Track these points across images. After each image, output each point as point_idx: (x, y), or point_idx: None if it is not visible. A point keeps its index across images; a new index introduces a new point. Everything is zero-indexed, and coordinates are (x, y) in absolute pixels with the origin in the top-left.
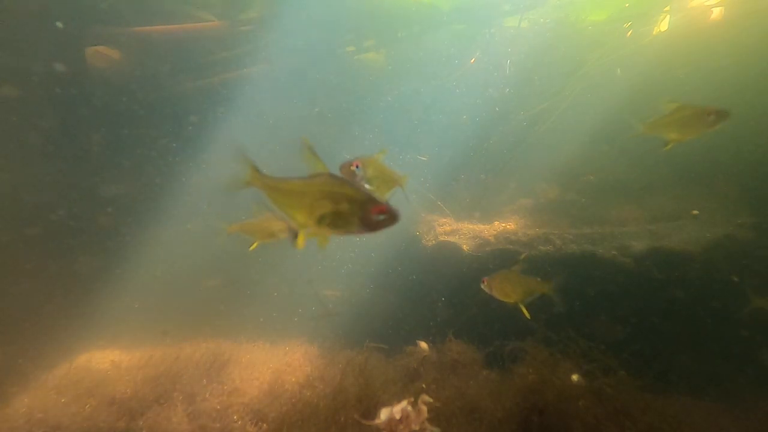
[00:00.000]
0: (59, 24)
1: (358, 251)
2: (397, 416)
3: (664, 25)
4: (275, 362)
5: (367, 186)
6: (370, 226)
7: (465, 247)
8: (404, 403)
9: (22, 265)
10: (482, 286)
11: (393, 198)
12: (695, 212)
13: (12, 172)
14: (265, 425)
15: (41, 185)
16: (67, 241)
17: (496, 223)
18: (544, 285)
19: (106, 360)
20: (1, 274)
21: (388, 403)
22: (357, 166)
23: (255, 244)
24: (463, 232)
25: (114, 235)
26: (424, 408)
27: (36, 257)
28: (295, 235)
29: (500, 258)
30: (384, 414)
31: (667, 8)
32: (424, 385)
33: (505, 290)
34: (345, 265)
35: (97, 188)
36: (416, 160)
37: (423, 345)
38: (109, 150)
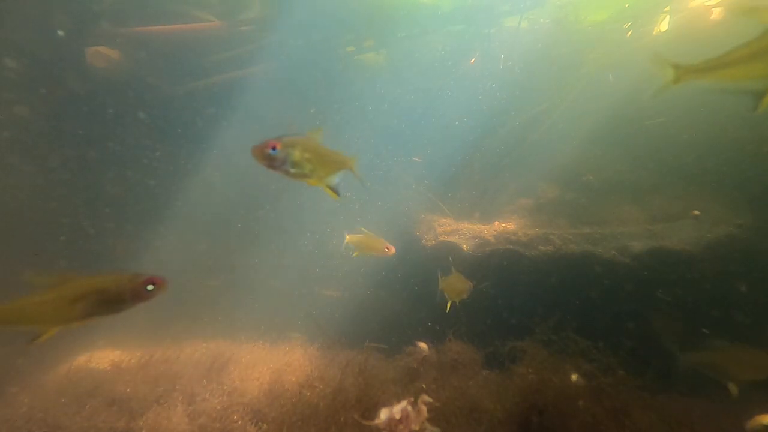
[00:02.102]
0: (60, 32)
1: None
2: (397, 416)
3: (664, 26)
4: (275, 362)
5: (293, 171)
6: None
7: (465, 247)
8: (404, 403)
9: (23, 266)
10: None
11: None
12: (696, 212)
13: (11, 173)
14: (265, 425)
15: (41, 186)
16: (68, 241)
17: (496, 223)
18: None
19: (106, 360)
20: (1, 274)
21: (388, 403)
22: (274, 148)
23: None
24: (463, 232)
25: (115, 234)
26: (424, 408)
27: (37, 258)
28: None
29: (500, 258)
30: (384, 414)
31: (667, 8)
32: (424, 385)
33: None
34: (345, 265)
35: (98, 188)
36: (420, 160)
37: (422, 345)
38: (109, 150)
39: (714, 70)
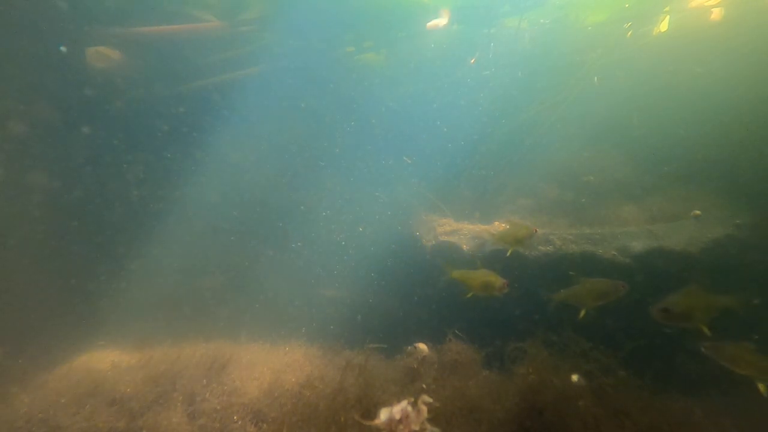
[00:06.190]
0: (63, 48)
1: (357, 252)
2: (397, 416)
3: (664, 26)
4: (275, 362)
5: None
6: None
7: (465, 247)
8: (404, 403)
9: (23, 266)
10: None
11: None
12: (696, 212)
13: (11, 173)
14: (265, 425)
15: (41, 186)
16: (68, 241)
17: (496, 223)
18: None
19: (106, 360)
20: (1, 274)
21: (388, 403)
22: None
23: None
24: (463, 232)
25: (115, 235)
26: (424, 408)
27: (36, 258)
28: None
29: (500, 258)
30: (384, 414)
31: (667, 8)
32: (424, 385)
33: None
34: (345, 265)
35: (98, 189)
36: (419, 160)
37: (421, 346)
38: (109, 151)
39: None
